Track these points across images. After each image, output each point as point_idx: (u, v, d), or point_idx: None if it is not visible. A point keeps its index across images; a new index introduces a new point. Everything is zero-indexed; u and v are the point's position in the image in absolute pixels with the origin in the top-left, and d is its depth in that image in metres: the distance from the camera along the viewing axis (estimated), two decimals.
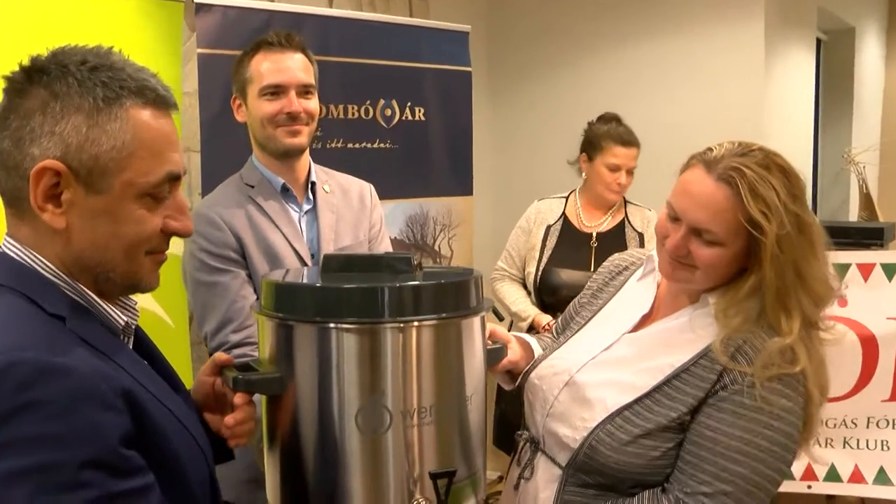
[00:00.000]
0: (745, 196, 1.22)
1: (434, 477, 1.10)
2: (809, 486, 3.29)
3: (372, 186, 2.07)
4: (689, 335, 1.32)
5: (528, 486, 1.45)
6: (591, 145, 2.65)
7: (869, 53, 6.42)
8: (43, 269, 0.93)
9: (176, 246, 2.00)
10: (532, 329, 2.60)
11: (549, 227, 2.71)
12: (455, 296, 1.14)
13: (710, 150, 1.30)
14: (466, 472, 1.15)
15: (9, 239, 0.95)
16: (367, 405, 1.07)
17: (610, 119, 2.68)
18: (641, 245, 2.63)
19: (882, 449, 3.27)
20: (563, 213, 2.73)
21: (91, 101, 0.89)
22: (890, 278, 3.21)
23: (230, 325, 1.79)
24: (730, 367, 1.24)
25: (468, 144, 3.02)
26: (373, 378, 1.08)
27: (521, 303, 2.67)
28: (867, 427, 3.26)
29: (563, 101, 4.57)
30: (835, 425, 3.27)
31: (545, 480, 1.41)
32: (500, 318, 3.63)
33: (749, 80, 4.10)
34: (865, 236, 3.99)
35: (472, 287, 1.17)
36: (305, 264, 1.86)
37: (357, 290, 1.09)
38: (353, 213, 1.98)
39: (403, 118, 2.81)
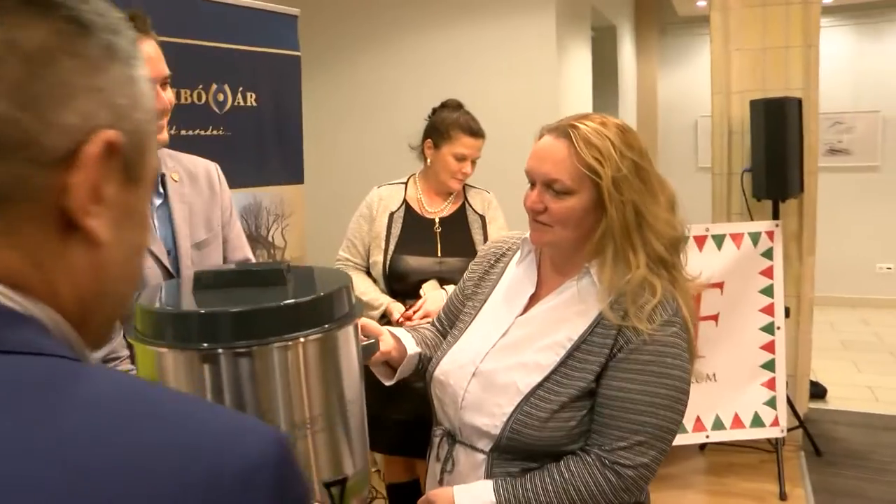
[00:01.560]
0: (578, 145, 1.35)
1: (327, 485, 1.11)
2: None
3: (217, 165, 1.95)
4: (579, 307, 1.41)
5: (452, 478, 1.47)
6: (437, 133, 2.65)
7: (625, 50, 7.07)
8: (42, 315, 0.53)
9: None
10: (384, 318, 2.59)
11: (392, 215, 2.70)
12: (331, 306, 1.15)
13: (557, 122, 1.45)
14: (354, 469, 1.18)
15: None
16: None
17: (455, 107, 2.70)
18: (484, 228, 2.70)
19: None
20: (405, 199, 2.74)
21: (126, 41, 0.57)
22: None
23: None
24: (622, 324, 1.35)
25: (298, 131, 2.94)
26: (261, 397, 1.07)
27: (371, 292, 2.64)
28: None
29: (373, 86, 4.59)
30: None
31: (469, 468, 1.45)
32: None
33: (545, 69, 4.38)
34: None
35: (344, 294, 1.20)
36: (162, 263, 1.73)
37: (235, 314, 1.06)
38: (205, 201, 1.84)
39: (235, 103, 2.67)
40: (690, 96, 7.43)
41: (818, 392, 4.73)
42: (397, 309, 2.56)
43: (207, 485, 0.45)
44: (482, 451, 1.43)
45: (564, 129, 1.39)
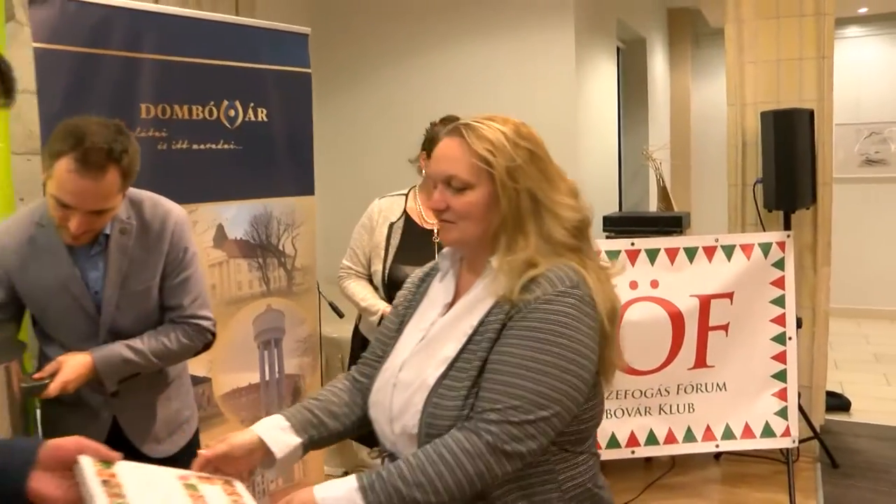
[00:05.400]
0: (470, 140, 1.40)
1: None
2: (633, 452, 3.64)
3: (181, 217, 2.09)
4: (486, 291, 1.42)
5: None
6: (430, 143, 2.77)
7: (657, 62, 7.09)
8: None
9: None
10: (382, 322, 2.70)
11: (392, 225, 2.81)
12: None
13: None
14: None
15: None
16: None
17: (452, 120, 2.80)
18: None
19: (689, 411, 3.68)
20: (405, 210, 2.85)
21: None
22: (691, 260, 3.63)
23: None
24: (504, 297, 1.36)
25: (309, 145, 3.08)
26: None
27: (369, 299, 2.77)
28: (677, 393, 3.66)
29: (391, 102, 4.73)
30: (651, 395, 3.64)
31: None
32: (341, 315, 3.71)
33: (563, 83, 4.46)
34: (667, 224, 4.45)
35: None
36: (80, 302, 1.96)
37: None
38: (147, 253, 2.02)
39: (247, 119, 2.82)
40: (723, 109, 7.40)
41: (841, 404, 4.69)
42: None
43: None
44: None
45: (457, 129, 1.44)
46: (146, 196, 2.06)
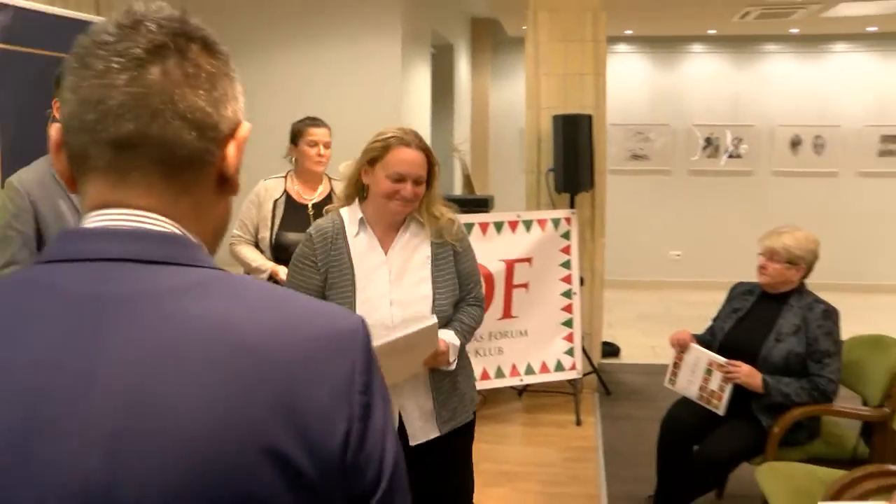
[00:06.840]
0: (430, 154, 2.30)
1: None
2: None
3: None
4: (418, 239, 2.34)
5: None
6: (295, 135, 3.47)
7: (462, 66, 8.06)
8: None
9: None
10: (271, 278, 3.34)
11: (276, 201, 3.45)
12: None
13: (395, 135, 2.27)
14: None
15: (161, 218, 0.79)
16: None
17: (310, 120, 3.51)
18: None
19: (499, 353, 4.59)
20: (285, 189, 3.50)
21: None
22: (499, 231, 4.53)
23: None
24: (449, 239, 2.33)
25: None
26: None
27: (259, 260, 3.39)
28: (489, 339, 4.56)
29: (249, 96, 5.27)
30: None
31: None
32: None
33: (391, 84, 5.25)
34: (476, 205, 5.36)
35: None
36: None
37: None
38: None
39: None
40: (517, 108, 8.49)
41: (613, 351, 5.86)
42: (282, 271, 3.31)
43: (329, 337, 0.78)
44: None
45: (422, 144, 2.28)
46: None
